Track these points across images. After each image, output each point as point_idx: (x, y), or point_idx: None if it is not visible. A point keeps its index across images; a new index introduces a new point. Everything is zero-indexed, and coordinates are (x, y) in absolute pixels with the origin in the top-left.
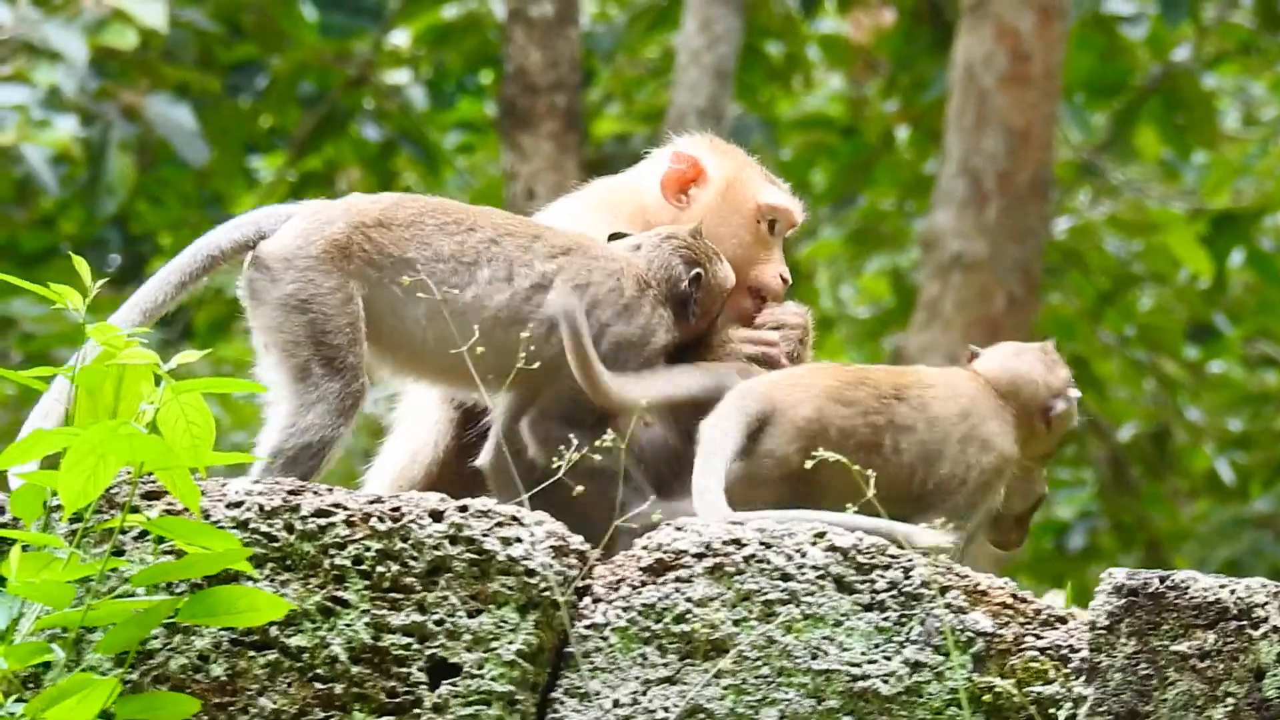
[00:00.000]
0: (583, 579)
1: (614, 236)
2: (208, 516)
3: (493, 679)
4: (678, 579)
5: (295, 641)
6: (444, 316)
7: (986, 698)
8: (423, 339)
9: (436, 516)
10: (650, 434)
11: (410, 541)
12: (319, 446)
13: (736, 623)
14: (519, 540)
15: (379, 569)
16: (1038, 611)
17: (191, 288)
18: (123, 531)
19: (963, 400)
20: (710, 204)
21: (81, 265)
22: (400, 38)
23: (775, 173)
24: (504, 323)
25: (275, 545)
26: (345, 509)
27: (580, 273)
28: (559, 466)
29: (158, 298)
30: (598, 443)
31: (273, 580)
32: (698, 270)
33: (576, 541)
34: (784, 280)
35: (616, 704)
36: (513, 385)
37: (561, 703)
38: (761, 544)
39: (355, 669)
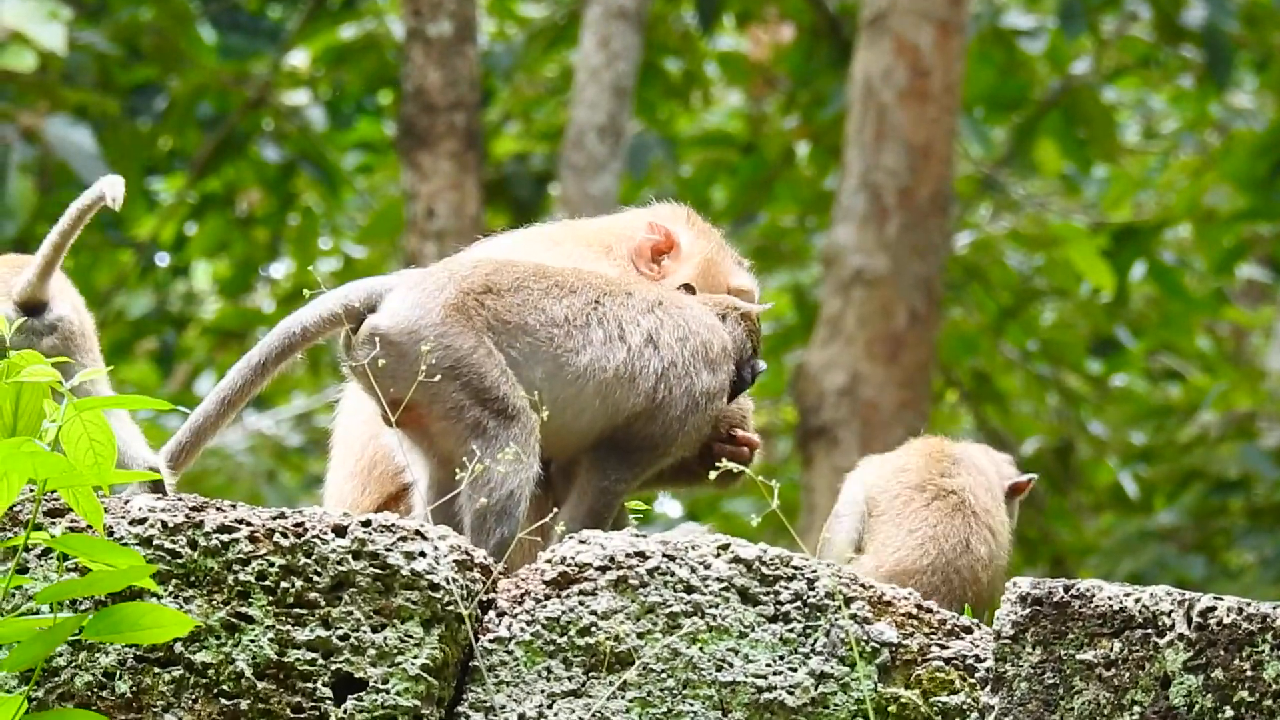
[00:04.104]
0: (487, 593)
1: (685, 288)
2: (111, 533)
3: (398, 694)
4: (582, 592)
5: (200, 658)
6: (562, 379)
7: (892, 708)
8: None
9: (340, 532)
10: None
11: (314, 557)
12: (520, 492)
13: (641, 635)
14: (423, 555)
15: (283, 584)
16: (943, 622)
17: (274, 370)
18: (26, 549)
19: None
20: (687, 277)
21: None
22: (299, 59)
23: (675, 190)
24: (623, 380)
25: (179, 561)
26: (249, 525)
27: (680, 324)
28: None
29: (239, 382)
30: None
31: (177, 597)
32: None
33: (480, 555)
34: None
35: (522, 717)
36: (602, 441)
37: (467, 717)
38: (665, 556)
39: (261, 684)
